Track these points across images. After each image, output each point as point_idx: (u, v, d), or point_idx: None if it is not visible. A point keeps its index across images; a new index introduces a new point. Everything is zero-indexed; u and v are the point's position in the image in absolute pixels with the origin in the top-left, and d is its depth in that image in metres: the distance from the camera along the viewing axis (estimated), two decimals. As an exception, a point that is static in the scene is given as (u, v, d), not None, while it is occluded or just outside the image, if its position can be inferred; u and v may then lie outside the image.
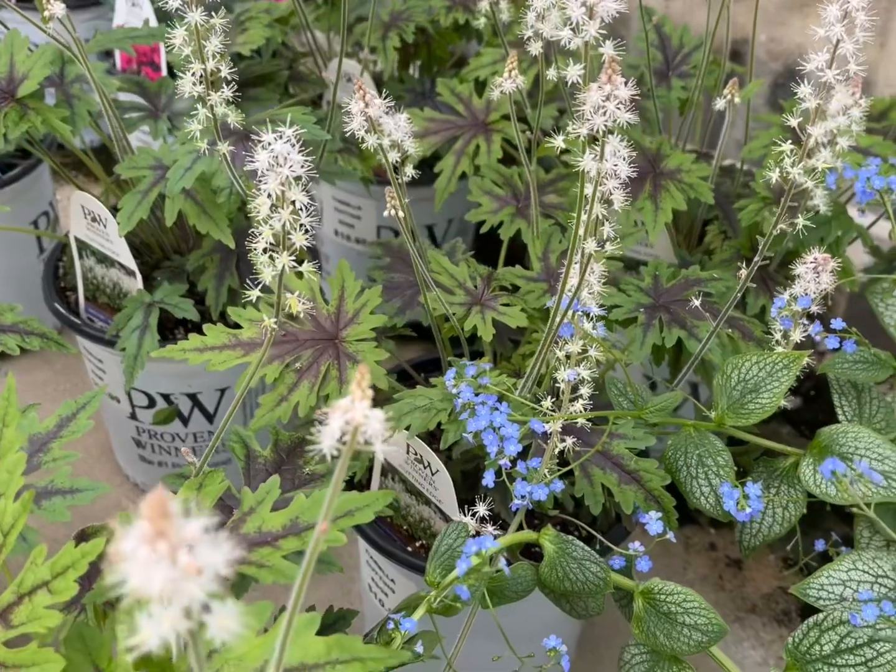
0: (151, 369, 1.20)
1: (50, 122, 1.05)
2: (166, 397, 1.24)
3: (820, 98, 0.77)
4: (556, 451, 0.87)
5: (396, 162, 0.93)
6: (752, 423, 0.93)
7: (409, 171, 1.01)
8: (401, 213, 0.88)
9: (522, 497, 0.83)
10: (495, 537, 0.82)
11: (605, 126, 0.70)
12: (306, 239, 0.71)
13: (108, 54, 1.55)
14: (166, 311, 1.13)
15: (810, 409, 1.59)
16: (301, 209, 0.69)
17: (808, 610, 1.30)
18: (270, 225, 0.69)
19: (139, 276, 1.13)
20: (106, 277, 1.17)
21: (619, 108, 0.69)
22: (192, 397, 1.24)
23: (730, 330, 1.01)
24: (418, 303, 1.06)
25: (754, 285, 1.08)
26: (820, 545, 1.00)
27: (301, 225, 0.70)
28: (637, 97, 1.30)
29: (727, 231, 1.25)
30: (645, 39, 1.24)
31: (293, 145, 0.67)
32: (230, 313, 0.95)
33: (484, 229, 1.14)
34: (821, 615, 0.84)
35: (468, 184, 1.18)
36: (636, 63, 1.34)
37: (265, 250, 0.72)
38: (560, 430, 0.88)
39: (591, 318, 0.90)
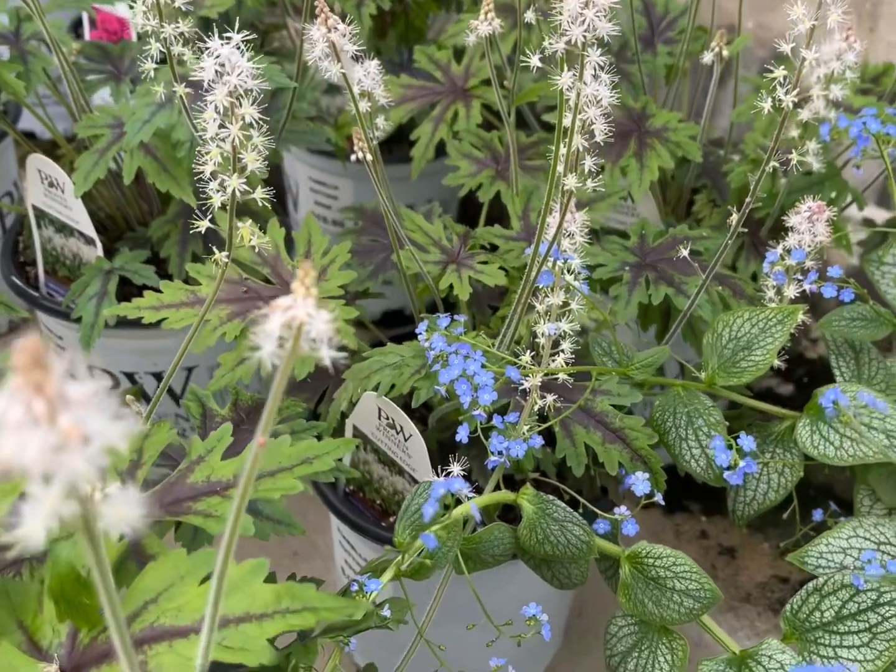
0: (114, 346, 1.14)
1: (2, 76, 0.99)
2: (130, 376, 1.18)
3: (815, 19, 0.71)
4: (536, 408, 0.81)
5: (367, 111, 0.87)
6: (745, 381, 0.87)
7: (382, 123, 0.96)
8: (369, 157, 0.82)
9: (499, 453, 0.76)
10: (470, 498, 0.75)
11: (585, 38, 0.64)
12: (259, 161, 0.65)
13: (77, 34, 1.50)
14: (129, 285, 1.07)
15: (803, 396, 1.53)
16: (253, 125, 0.63)
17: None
18: (218, 144, 0.63)
19: (99, 245, 1.07)
20: (65, 248, 1.11)
21: (598, 18, 0.63)
22: (158, 377, 1.18)
23: (720, 287, 0.95)
24: (392, 265, 1.00)
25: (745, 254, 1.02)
26: (818, 515, 0.94)
27: (253, 145, 0.64)
28: (622, 63, 1.26)
29: (716, 200, 1.20)
30: (630, 5, 1.19)
31: (242, 52, 0.61)
32: (188, 269, 0.89)
33: (462, 193, 1.08)
34: (821, 579, 0.78)
35: (448, 157, 1.13)
36: (620, 29, 1.28)
37: (214, 175, 0.65)
38: (540, 386, 0.82)
39: (574, 271, 0.85)
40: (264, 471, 0.64)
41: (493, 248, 0.98)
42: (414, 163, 1.16)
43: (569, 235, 0.85)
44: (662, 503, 0.82)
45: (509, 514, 0.89)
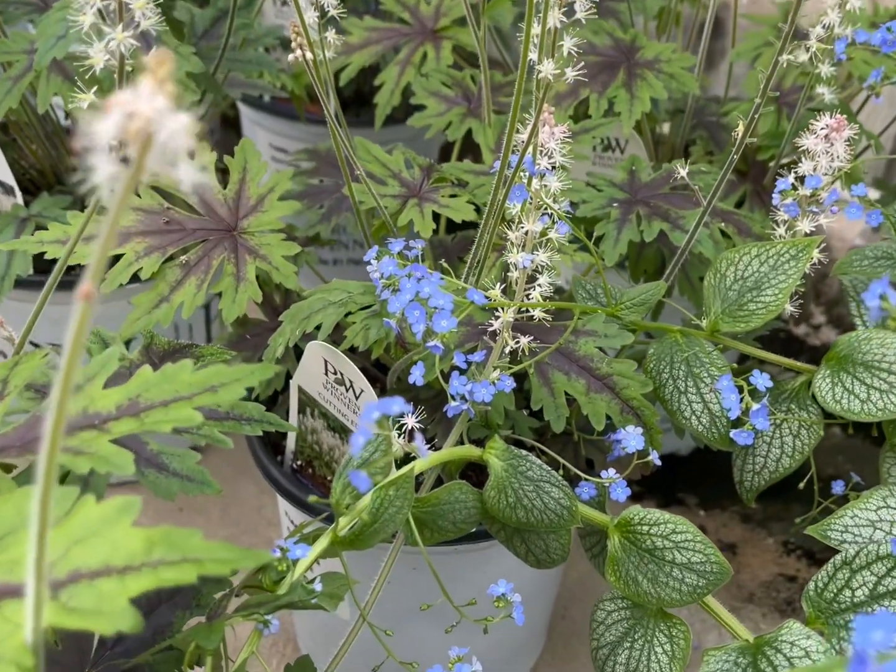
0: (47, 313, 1.00)
1: None
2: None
3: None
4: (507, 350, 0.67)
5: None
6: (754, 326, 0.73)
7: (332, 37, 0.82)
8: (308, 55, 0.68)
9: (461, 398, 0.62)
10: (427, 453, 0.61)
11: None
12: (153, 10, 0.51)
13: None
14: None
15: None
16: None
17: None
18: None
19: (18, 193, 0.93)
20: (-16, 199, 0.97)
21: None
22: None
23: (723, 224, 0.81)
24: (347, 208, 0.86)
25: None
26: (838, 487, 0.80)
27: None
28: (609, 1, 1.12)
29: (713, 153, 1.06)
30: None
31: None
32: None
33: (430, 134, 0.94)
34: (851, 551, 0.63)
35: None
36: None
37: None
38: (513, 327, 0.68)
39: (553, 194, 0.71)
40: (155, 400, 0.50)
41: (463, 185, 0.84)
42: (378, 110, 1.02)
43: (546, 154, 0.72)
44: (658, 463, 0.68)
45: (479, 480, 0.75)
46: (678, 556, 0.62)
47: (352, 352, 0.92)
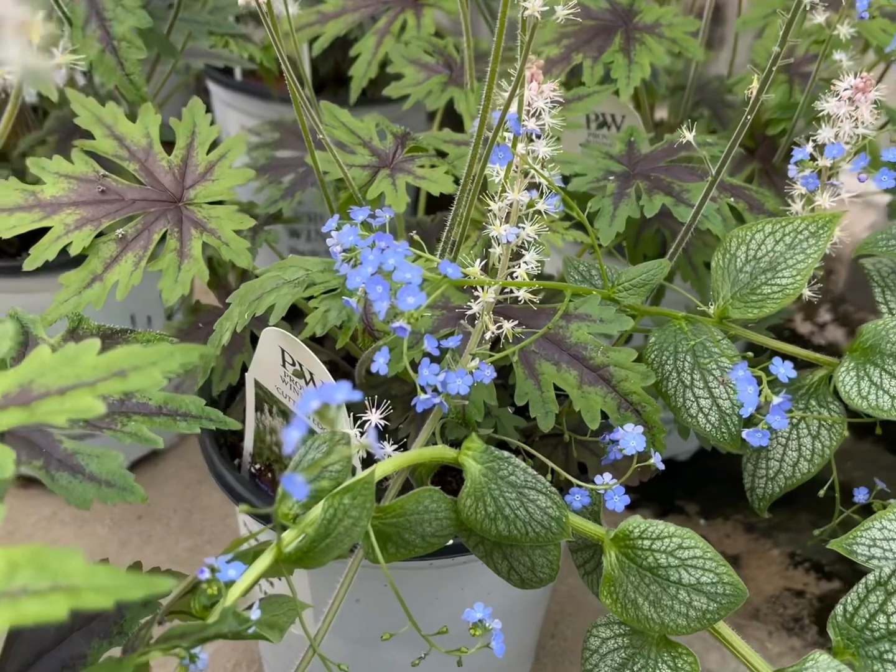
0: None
1: None
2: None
3: None
4: (488, 336, 0.57)
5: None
6: (769, 312, 0.64)
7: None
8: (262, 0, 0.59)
9: (434, 390, 0.52)
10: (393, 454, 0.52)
11: None
12: None
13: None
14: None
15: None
16: None
17: (825, 615, 1.00)
18: None
19: (-47, 166, 0.83)
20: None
21: None
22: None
23: (732, 199, 0.72)
24: (312, 182, 0.77)
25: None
26: (861, 495, 0.70)
27: None
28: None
29: (717, 130, 0.97)
30: None
31: None
32: (29, 165, 0.65)
33: (408, 105, 0.84)
34: (886, 570, 0.54)
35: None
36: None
37: None
38: (494, 309, 0.59)
39: (542, 162, 0.61)
40: (52, 387, 0.40)
41: (442, 156, 0.75)
42: (353, 83, 0.93)
43: (534, 114, 0.62)
44: (662, 467, 0.58)
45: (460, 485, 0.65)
46: (685, 575, 0.52)
47: (318, 343, 0.82)
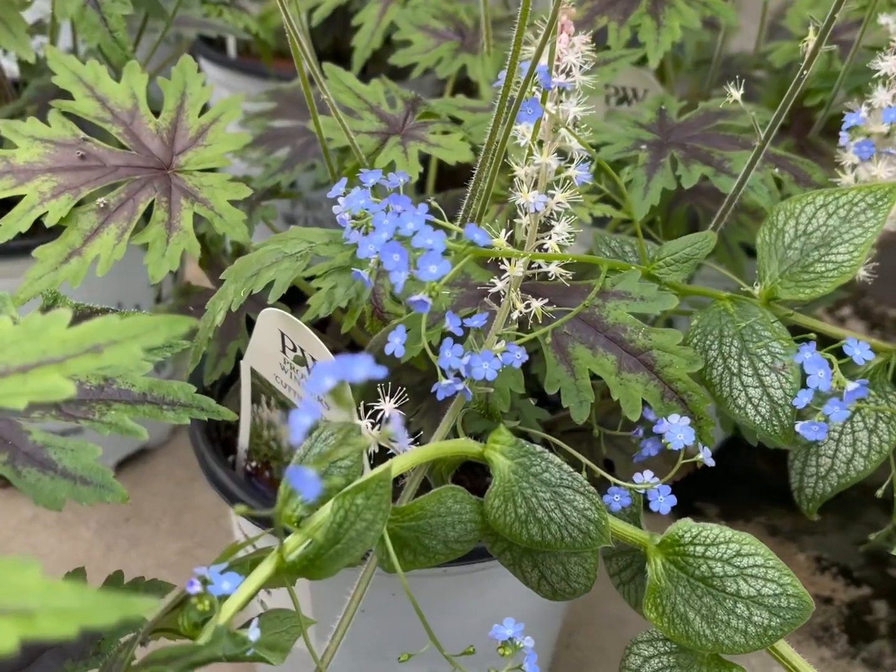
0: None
1: None
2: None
3: None
4: (516, 315, 0.51)
5: None
6: (823, 292, 0.57)
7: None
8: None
9: (456, 374, 0.46)
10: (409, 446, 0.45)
11: None
12: None
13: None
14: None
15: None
16: None
17: (855, 622, 0.93)
18: None
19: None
20: None
21: None
22: None
23: (776, 170, 0.65)
24: (314, 154, 0.70)
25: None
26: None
27: None
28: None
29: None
30: None
31: None
32: (1, 127, 0.58)
33: (416, 73, 0.78)
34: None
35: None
36: None
37: None
38: (523, 288, 0.52)
39: (572, 121, 0.55)
40: (12, 364, 0.33)
41: (457, 123, 0.68)
42: (355, 54, 0.86)
43: (564, 70, 0.56)
44: (711, 463, 0.52)
45: (474, 485, 0.59)
46: (744, 586, 0.46)
47: (321, 330, 0.76)
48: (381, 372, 0.30)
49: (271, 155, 0.70)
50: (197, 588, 0.38)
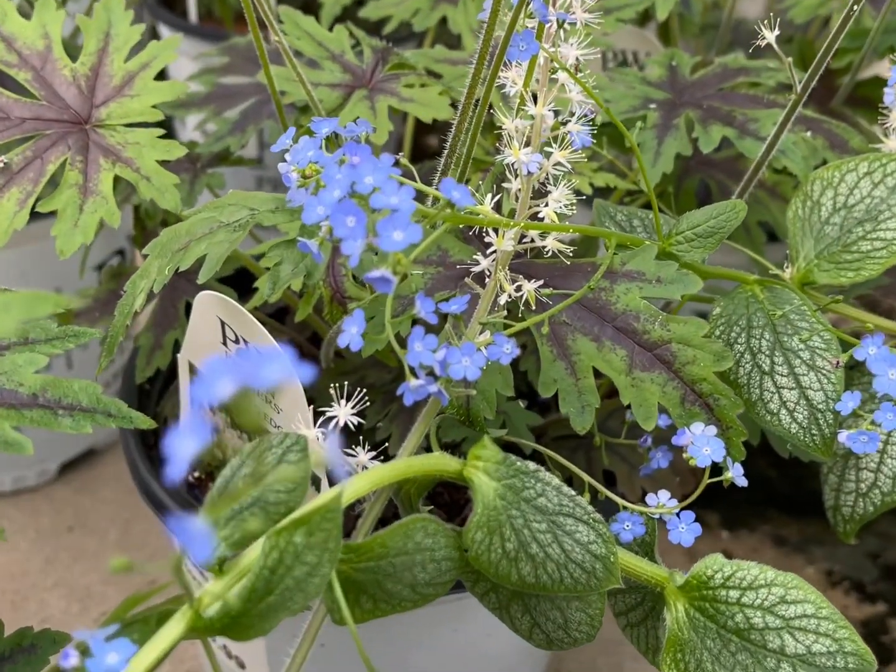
0: None
1: None
2: None
3: None
4: (504, 300, 0.40)
5: None
6: (870, 275, 0.47)
7: None
8: None
9: (429, 373, 0.35)
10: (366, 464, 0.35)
11: None
12: None
13: None
14: None
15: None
16: None
17: (870, 643, 0.84)
18: None
19: None
20: None
21: None
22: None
23: (808, 134, 0.55)
24: (269, 114, 0.60)
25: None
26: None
27: None
28: None
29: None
30: None
31: None
32: None
33: (390, 27, 0.67)
34: None
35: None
36: None
37: None
38: (511, 264, 0.42)
39: (573, 64, 0.45)
40: None
41: (436, 77, 0.58)
42: (324, 10, 0.76)
43: (563, 6, 0.45)
44: (743, 483, 0.42)
45: (454, 499, 0.49)
46: (790, 641, 0.36)
47: (279, 320, 0.65)
48: (305, 373, 0.20)
49: (220, 115, 0.59)
50: (72, 661, 0.27)
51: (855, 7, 0.45)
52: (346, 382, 0.51)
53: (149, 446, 0.58)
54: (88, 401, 0.37)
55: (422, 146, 0.81)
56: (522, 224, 0.39)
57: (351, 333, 0.35)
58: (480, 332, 0.39)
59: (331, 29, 0.69)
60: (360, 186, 0.32)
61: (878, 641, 0.84)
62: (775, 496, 0.96)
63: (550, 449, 0.54)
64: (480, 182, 0.52)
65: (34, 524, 0.87)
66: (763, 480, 0.95)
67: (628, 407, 0.42)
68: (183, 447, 0.18)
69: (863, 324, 0.47)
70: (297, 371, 0.20)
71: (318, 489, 0.44)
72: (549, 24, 0.43)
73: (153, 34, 1.09)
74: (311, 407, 0.44)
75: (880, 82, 0.75)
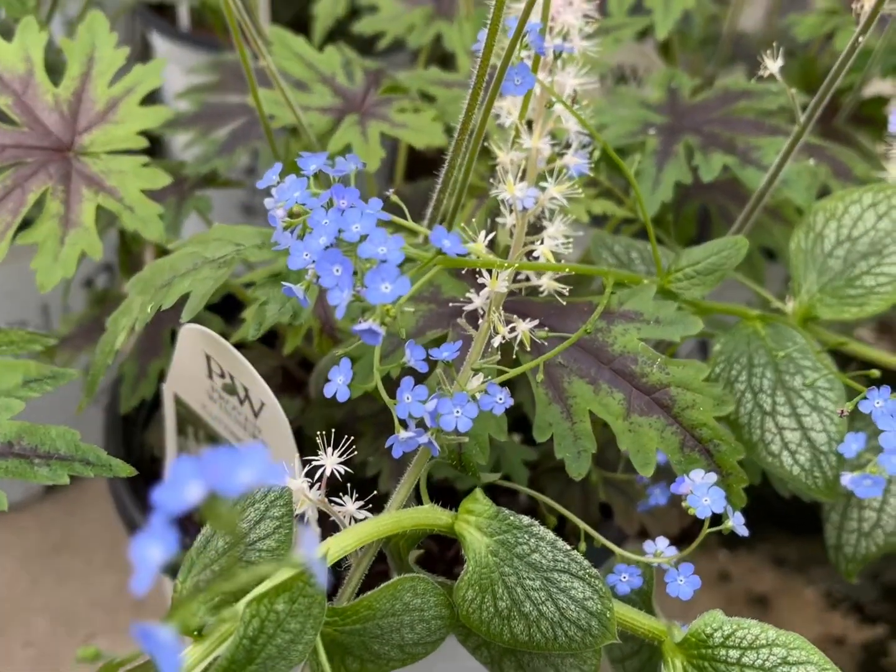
0: None
1: None
2: None
3: None
4: (498, 342, 0.39)
5: None
6: (874, 311, 0.46)
7: None
8: None
9: (417, 423, 0.34)
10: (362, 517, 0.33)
11: None
12: None
13: None
14: None
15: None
16: None
17: (870, 667, 0.83)
18: None
19: None
20: None
21: None
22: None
23: (811, 161, 0.54)
24: (258, 135, 0.58)
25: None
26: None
27: None
28: None
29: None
30: None
31: None
32: None
33: (384, 42, 0.66)
34: None
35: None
36: None
37: None
38: (507, 305, 0.40)
39: (573, 97, 0.43)
40: None
41: (429, 100, 0.56)
42: (317, 23, 0.74)
43: (560, 34, 0.44)
44: (744, 532, 0.41)
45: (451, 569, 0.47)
46: (793, 705, 0.35)
47: (268, 345, 0.64)
48: (275, 476, 0.18)
49: (207, 136, 0.58)
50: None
51: (860, 38, 0.43)
52: (334, 415, 0.50)
53: (135, 477, 0.57)
54: (66, 448, 0.36)
55: (417, 156, 0.80)
56: (517, 265, 0.38)
57: (337, 384, 0.33)
58: (473, 376, 0.37)
59: (323, 43, 0.67)
60: (348, 234, 0.31)
61: (878, 666, 0.83)
62: (774, 514, 0.94)
63: (545, 481, 0.53)
64: (476, 211, 0.51)
65: (21, 544, 0.85)
66: (762, 498, 0.94)
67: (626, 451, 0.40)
68: (149, 555, 0.17)
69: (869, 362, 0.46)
70: (273, 472, 0.18)
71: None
72: (546, 55, 0.42)
73: (144, 42, 1.08)
74: (299, 448, 0.42)
75: (883, 101, 0.74)
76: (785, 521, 0.95)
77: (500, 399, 0.35)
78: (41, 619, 0.81)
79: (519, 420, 0.53)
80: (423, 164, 0.66)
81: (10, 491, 0.82)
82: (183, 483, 0.18)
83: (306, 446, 0.44)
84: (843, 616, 0.89)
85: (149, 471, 0.57)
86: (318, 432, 0.37)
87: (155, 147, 0.62)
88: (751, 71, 0.82)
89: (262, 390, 0.44)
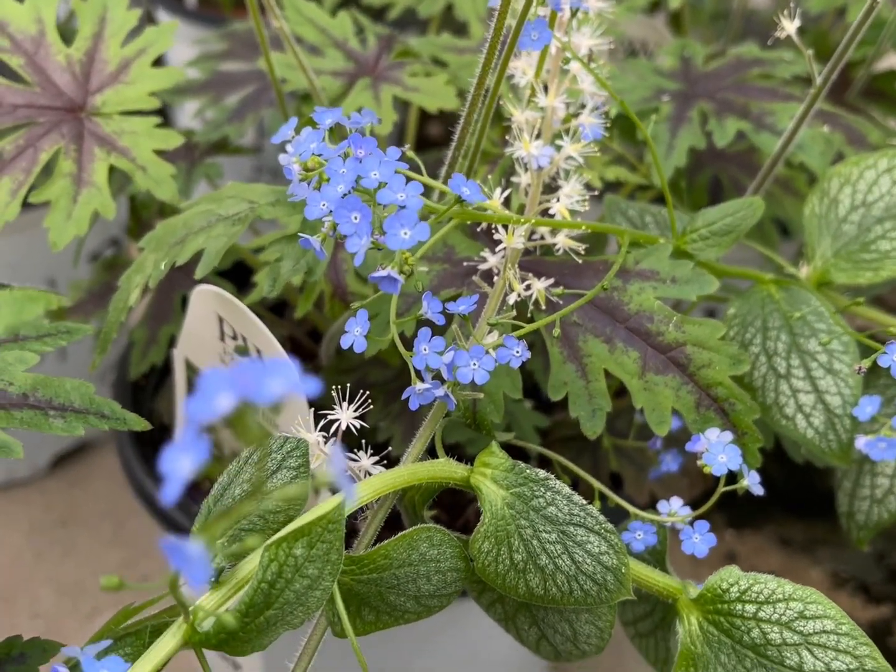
0: None
1: None
2: None
3: None
4: (513, 299, 0.39)
5: None
6: (888, 276, 0.46)
7: None
8: None
9: (434, 376, 0.34)
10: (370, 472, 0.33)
11: None
12: None
13: None
14: None
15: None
16: None
17: (877, 646, 0.83)
18: None
19: None
20: None
21: None
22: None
23: (825, 128, 0.53)
24: (269, 102, 0.58)
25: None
26: None
27: None
28: None
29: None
30: None
31: None
32: None
33: (395, 12, 0.66)
34: None
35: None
36: None
37: None
38: (522, 264, 0.40)
39: (587, 56, 0.43)
40: None
41: (441, 66, 0.56)
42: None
43: (574, -7, 0.44)
44: (759, 491, 0.41)
45: (455, 501, 0.47)
46: (808, 658, 0.35)
47: (277, 314, 0.64)
48: (310, 387, 0.19)
49: (218, 103, 0.58)
50: (59, 680, 0.26)
51: (876, 3, 0.43)
52: (347, 381, 0.50)
53: (143, 443, 0.57)
54: (81, 401, 0.36)
55: (424, 135, 0.80)
56: (533, 220, 0.38)
57: (355, 335, 0.33)
58: (489, 333, 0.37)
59: (334, 14, 0.67)
60: (366, 181, 0.31)
61: (884, 645, 0.83)
62: (781, 494, 0.94)
63: (556, 450, 0.53)
64: (488, 175, 0.51)
65: (27, 517, 0.86)
66: (768, 477, 0.94)
67: (640, 410, 0.40)
68: (179, 466, 0.17)
69: (882, 326, 0.46)
70: (302, 385, 0.18)
71: (317, 491, 0.43)
72: (562, 13, 0.42)
73: (150, 19, 1.08)
74: (311, 409, 0.42)
75: (895, 75, 0.74)
76: (792, 503, 0.94)
77: (518, 352, 0.35)
78: (47, 592, 0.81)
79: (530, 389, 0.53)
80: (430, 137, 0.67)
81: (16, 466, 0.82)
82: (214, 394, 0.18)
83: (318, 415, 0.44)
84: (850, 596, 0.89)
85: (159, 438, 0.58)
86: (333, 386, 0.37)
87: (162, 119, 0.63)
88: (763, 48, 0.82)
89: (275, 350, 0.44)
